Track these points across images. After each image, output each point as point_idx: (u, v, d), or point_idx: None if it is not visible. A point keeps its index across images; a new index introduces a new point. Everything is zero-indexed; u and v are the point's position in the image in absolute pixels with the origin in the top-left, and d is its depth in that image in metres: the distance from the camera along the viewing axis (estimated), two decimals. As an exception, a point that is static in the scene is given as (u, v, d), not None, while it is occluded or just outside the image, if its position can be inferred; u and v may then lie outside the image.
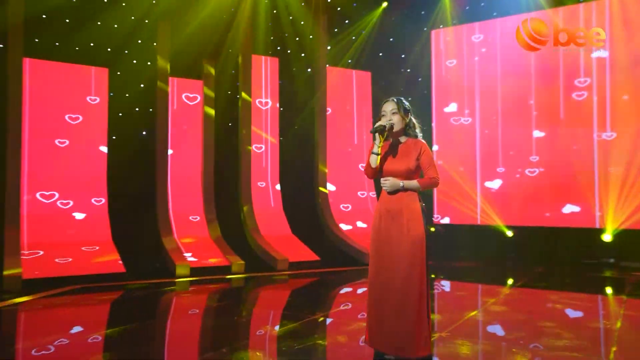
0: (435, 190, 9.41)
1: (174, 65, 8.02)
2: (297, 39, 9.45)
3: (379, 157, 3.11)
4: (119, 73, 7.81)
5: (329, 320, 4.30)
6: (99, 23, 7.62)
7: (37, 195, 6.85)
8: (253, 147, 8.49)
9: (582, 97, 8.10)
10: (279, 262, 7.03)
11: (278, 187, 8.77)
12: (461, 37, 9.46)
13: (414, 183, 3.05)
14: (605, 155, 7.84)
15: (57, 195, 6.98)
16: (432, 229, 9.70)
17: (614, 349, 3.47)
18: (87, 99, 7.43)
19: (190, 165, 8.17)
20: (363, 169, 3.19)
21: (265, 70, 8.87)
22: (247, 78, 8.43)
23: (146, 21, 7.88)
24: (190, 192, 8.04)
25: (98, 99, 7.50)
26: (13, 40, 6.59)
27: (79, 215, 7.03)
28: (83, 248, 6.59)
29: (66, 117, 7.24)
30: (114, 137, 7.77)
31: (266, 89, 8.86)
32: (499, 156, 8.81)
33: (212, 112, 8.35)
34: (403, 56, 10.03)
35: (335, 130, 9.34)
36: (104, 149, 7.46)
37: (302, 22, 9.38)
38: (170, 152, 7.93)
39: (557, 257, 8.10)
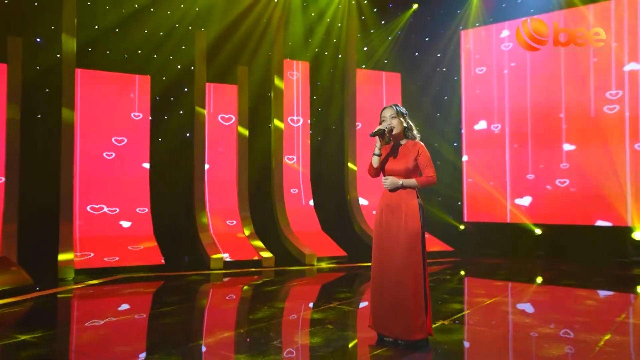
0: (465, 204, 9.59)
1: (211, 71, 8.56)
2: (334, 40, 9.80)
3: (380, 158, 3.42)
4: (164, 78, 8.43)
5: (349, 309, 4.61)
6: (145, 31, 8.25)
7: (88, 208, 7.49)
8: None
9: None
10: (307, 256, 7.41)
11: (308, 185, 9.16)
12: (490, 40, 9.54)
13: (412, 181, 3.34)
14: (637, 165, 7.80)
15: (105, 207, 7.62)
16: (462, 227, 9.84)
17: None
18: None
19: (226, 167, 8.65)
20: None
21: (296, 74, 9.26)
22: (278, 81, 8.85)
23: (189, 28, 8.46)
24: (227, 192, 8.53)
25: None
26: (67, 52, 7.28)
27: (125, 224, 7.62)
28: (129, 247, 7.17)
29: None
30: (159, 139, 8.38)
31: (297, 92, 9.25)
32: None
33: (246, 122, 8.83)
34: (439, 55, 10.19)
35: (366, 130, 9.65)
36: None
37: (339, 24, 9.72)
38: (207, 162, 8.46)
39: (587, 255, 8.10)
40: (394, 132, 3.41)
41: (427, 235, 3.64)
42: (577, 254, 8.17)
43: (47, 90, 7.62)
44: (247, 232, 8.11)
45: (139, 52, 8.31)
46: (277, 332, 3.84)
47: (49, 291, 5.35)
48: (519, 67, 9.11)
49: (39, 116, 7.62)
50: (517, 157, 9.05)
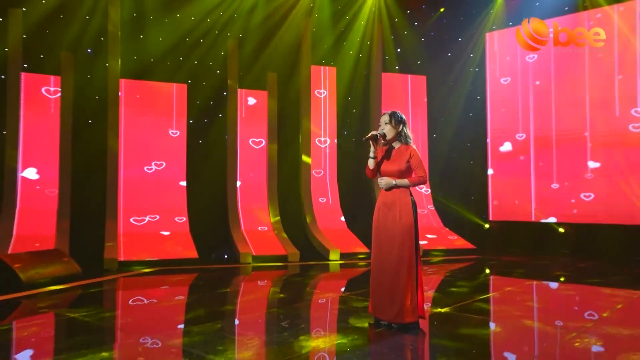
0: (490, 203, 9.82)
1: (243, 78, 9.15)
2: (368, 42, 10.21)
3: (376, 160, 3.82)
4: (204, 83, 9.09)
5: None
6: (187, 39, 8.92)
7: (131, 220, 8.19)
8: (315, 141, 9.43)
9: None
10: (330, 252, 7.85)
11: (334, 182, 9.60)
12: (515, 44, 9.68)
13: (404, 181, 3.73)
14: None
15: (146, 219, 8.31)
16: (487, 226, 10.03)
17: None
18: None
19: (257, 168, 9.20)
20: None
21: (324, 79, 9.72)
22: (306, 87, 9.34)
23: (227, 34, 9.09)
24: (257, 191, 9.08)
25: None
26: (112, 62, 8.05)
27: (165, 232, 8.26)
28: (167, 244, 7.81)
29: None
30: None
31: (325, 98, 9.71)
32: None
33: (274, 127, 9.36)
34: (471, 55, 10.41)
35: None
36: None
37: (366, 27, 10.11)
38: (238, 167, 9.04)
39: (610, 253, 8.16)
40: (387, 138, 3.80)
41: (453, 236, 4.00)
42: (601, 252, 8.26)
43: (97, 97, 8.34)
44: (275, 230, 8.62)
45: (177, 59, 8.98)
46: (297, 315, 4.30)
47: (95, 279, 6.02)
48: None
49: (90, 121, 8.39)
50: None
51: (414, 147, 3.81)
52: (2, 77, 7.65)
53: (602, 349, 3.33)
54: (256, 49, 9.37)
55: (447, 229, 9.52)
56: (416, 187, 4.05)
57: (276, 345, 3.36)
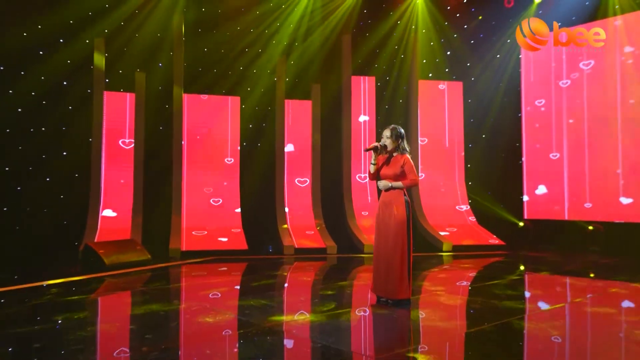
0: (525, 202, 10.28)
1: (289, 89, 10.22)
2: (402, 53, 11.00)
3: (377, 166, 4.68)
4: (262, 90, 10.30)
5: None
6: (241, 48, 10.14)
7: (193, 232, 9.50)
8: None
9: None
10: (365, 246, 8.72)
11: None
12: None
13: (398, 183, 4.57)
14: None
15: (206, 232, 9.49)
16: (521, 224, 10.48)
17: None
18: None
19: (303, 173, 10.22)
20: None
21: (363, 89, 10.58)
22: (347, 97, 10.25)
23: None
24: (302, 193, 10.10)
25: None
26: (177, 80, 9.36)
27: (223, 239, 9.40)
28: (221, 238, 9.02)
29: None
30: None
31: (364, 106, 10.57)
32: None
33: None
34: (500, 65, 10.91)
35: (428, 134, 10.70)
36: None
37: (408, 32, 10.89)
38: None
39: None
40: (388, 149, 4.65)
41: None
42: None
43: (167, 105, 9.65)
44: (317, 227, 9.61)
45: (230, 73, 10.20)
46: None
47: (162, 264, 7.26)
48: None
49: (161, 128, 9.76)
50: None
51: (408, 156, 4.63)
52: (89, 91, 9.09)
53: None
54: (301, 62, 10.43)
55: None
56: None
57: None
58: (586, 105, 9.41)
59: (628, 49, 8.61)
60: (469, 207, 10.57)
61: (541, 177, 10.15)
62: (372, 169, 4.70)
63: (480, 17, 11.18)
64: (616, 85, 8.94)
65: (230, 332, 3.85)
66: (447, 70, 11.17)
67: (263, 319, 4.13)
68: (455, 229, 9.86)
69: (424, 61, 10.99)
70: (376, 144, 4.66)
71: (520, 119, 10.53)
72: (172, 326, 4.14)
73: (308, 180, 10.20)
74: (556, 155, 9.91)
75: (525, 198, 10.37)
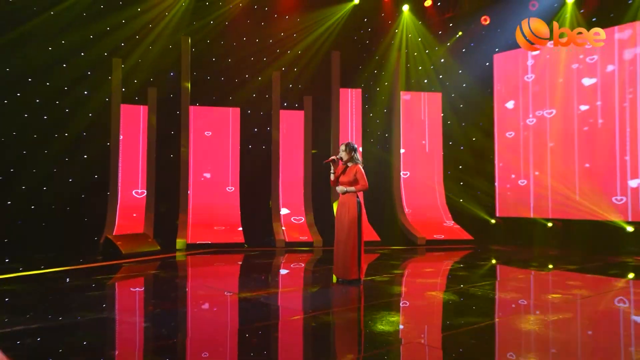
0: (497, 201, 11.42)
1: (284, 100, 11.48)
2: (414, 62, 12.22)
3: (336, 174, 5.90)
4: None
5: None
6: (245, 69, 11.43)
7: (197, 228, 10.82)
8: None
9: None
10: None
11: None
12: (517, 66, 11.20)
13: (352, 188, 5.79)
14: None
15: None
16: (493, 221, 11.62)
17: None
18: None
19: (295, 173, 11.46)
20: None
21: (351, 101, 11.78)
22: (335, 108, 11.47)
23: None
24: (295, 192, 11.35)
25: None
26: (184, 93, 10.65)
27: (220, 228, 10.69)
28: (220, 229, 10.31)
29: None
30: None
31: (352, 115, 11.78)
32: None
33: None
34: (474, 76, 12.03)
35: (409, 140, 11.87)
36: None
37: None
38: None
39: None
40: (344, 160, 5.86)
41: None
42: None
43: (177, 112, 10.91)
44: (307, 220, 10.85)
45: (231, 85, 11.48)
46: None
47: (170, 254, 8.57)
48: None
49: (172, 132, 11.03)
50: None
51: (360, 166, 5.84)
52: (107, 99, 10.44)
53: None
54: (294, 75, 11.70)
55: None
56: None
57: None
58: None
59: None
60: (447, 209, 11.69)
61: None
62: (332, 177, 5.92)
63: (460, 33, 12.29)
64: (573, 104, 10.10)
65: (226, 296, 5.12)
66: (425, 81, 12.33)
67: (250, 292, 5.40)
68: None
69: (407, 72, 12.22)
70: (334, 157, 5.88)
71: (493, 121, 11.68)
72: (178, 294, 5.43)
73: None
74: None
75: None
